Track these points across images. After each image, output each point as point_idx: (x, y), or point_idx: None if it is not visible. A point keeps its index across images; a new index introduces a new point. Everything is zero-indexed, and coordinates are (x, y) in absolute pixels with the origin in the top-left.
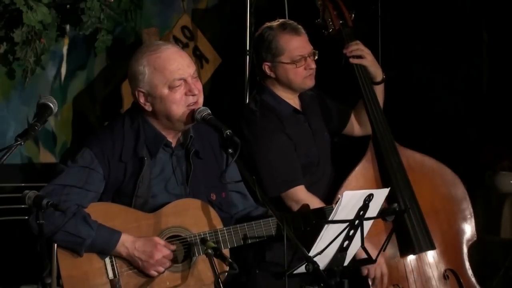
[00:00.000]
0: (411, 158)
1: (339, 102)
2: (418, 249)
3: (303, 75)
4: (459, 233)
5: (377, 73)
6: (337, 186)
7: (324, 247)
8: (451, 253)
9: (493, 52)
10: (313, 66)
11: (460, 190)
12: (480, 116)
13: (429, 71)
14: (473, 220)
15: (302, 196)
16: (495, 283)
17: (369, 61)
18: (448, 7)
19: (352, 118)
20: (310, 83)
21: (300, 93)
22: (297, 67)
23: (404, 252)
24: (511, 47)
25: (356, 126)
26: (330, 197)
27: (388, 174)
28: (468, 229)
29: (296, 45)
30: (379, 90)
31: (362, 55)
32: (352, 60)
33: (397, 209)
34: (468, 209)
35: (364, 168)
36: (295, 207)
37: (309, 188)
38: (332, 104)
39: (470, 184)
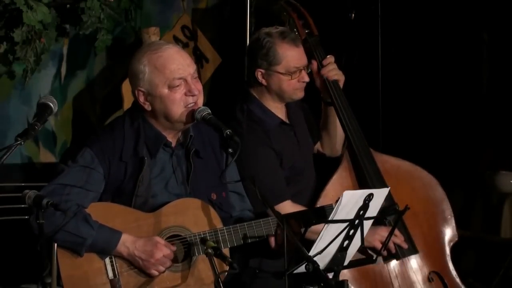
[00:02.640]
0: (387, 163)
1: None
2: (401, 255)
3: (295, 87)
4: (440, 234)
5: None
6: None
7: (324, 247)
8: (434, 255)
9: (493, 52)
10: (307, 79)
11: (438, 192)
12: (480, 116)
13: (429, 71)
14: (453, 220)
15: (289, 210)
16: (495, 283)
17: (343, 79)
18: (448, 7)
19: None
20: (300, 94)
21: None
22: (292, 78)
23: (387, 258)
24: (511, 47)
25: (320, 146)
26: (311, 205)
27: (366, 181)
28: (449, 230)
29: (294, 57)
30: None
31: (338, 75)
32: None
33: (397, 208)
34: (448, 210)
35: (340, 177)
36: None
37: (294, 197)
38: (312, 118)
39: (470, 184)
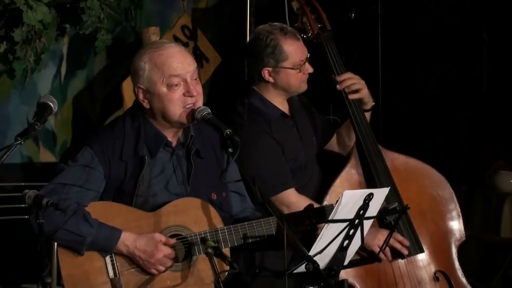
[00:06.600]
0: (396, 160)
1: (324, 116)
2: (406, 254)
3: (302, 79)
4: (447, 233)
5: (369, 101)
6: (324, 190)
7: (324, 246)
8: (440, 254)
9: (493, 52)
10: (311, 70)
11: (446, 191)
12: (480, 116)
13: (429, 71)
14: (461, 220)
15: (293, 198)
16: (495, 283)
17: (365, 93)
18: (448, 7)
19: (334, 137)
20: (305, 86)
21: (289, 98)
22: (300, 71)
23: (392, 257)
24: (511, 47)
25: (335, 146)
26: (317, 200)
27: (373, 178)
28: (456, 229)
29: (298, 50)
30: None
31: (359, 89)
32: (351, 96)
33: (397, 208)
34: (455, 209)
35: (348, 174)
36: (286, 211)
37: (297, 191)
38: (319, 116)
39: (470, 184)
